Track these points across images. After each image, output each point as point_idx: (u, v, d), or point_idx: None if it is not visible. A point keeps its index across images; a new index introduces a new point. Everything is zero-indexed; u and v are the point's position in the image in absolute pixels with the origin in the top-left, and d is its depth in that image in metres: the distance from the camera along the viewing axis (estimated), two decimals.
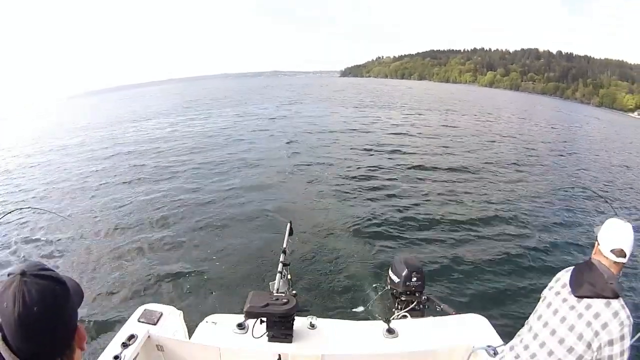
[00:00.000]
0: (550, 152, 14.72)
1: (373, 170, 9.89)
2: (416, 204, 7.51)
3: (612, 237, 1.43)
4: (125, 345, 1.71)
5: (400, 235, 6.00)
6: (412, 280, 2.22)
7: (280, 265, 2.16)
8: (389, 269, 2.38)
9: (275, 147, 12.81)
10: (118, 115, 27.44)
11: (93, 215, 7.07)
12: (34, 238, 6.08)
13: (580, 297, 1.41)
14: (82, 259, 5.34)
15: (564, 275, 1.55)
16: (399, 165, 10.68)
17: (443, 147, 13.81)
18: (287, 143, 13.27)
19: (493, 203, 7.81)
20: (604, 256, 1.43)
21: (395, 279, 2.28)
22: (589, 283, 1.40)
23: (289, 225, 2.43)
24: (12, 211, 3.04)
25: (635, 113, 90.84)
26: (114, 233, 6.15)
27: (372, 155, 11.89)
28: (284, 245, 2.32)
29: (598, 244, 1.47)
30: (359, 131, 16.43)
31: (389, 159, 11.47)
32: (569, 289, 1.46)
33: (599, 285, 1.37)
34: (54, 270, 0.66)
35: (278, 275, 2.10)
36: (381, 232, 6.04)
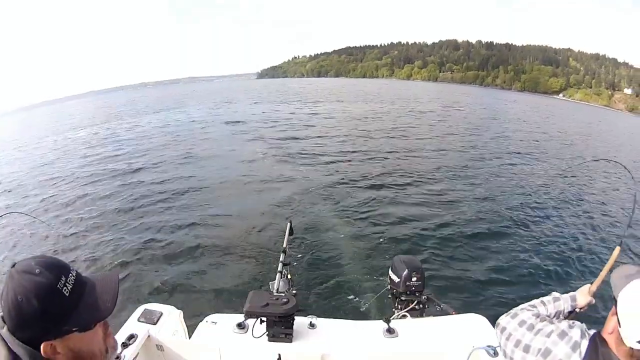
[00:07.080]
0: (551, 142, 14.72)
1: (373, 170, 9.89)
2: (417, 204, 7.52)
3: None
4: (125, 345, 1.70)
5: (401, 235, 6.00)
6: (412, 280, 2.21)
7: (280, 264, 2.15)
8: (389, 269, 2.38)
9: (273, 148, 12.81)
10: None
11: (90, 217, 7.07)
12: (26, 243, 6.06)
13: None
14: (82, 260, 5.35)
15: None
16: (399, 165, 10.67)
17: (443, 141, 13.82)
18: (285, 145, 13.29)
19: (493, 203, 7.81)
20: (624, 346, 0.90)
21: (395, 279, 2.28)
22: None
23: (289, 224, 2.43)
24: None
25: (561, 95, 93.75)
26: (114, 234, 6.16)
27: (372, 154, 11.89)
28: (284, 245, 2.32)
29: (619, 324, 0.91)
30: (354, 130, 16.43)
31: (390, 158, 11.48)
32: None
33: None
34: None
35: (278, 275, 2.09)
36: (381, 232, 6.05)
